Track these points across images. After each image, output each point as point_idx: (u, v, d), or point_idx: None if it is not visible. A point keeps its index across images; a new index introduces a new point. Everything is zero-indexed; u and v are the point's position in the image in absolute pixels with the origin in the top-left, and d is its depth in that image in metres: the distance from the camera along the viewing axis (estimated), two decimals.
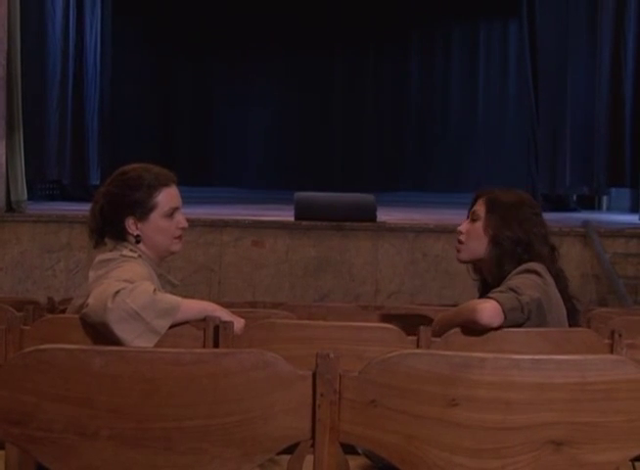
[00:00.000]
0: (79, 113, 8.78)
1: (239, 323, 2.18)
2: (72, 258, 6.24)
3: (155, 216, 2.33)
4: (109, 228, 2.34)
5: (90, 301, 2.08)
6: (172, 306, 2.08)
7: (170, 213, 2.36)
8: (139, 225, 2.33)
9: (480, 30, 11.26)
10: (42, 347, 1.32)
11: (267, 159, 11.44)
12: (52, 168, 8.33)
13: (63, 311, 2.52)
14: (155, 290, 2.10)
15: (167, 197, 2.35)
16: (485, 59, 11.25)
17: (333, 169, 11.30)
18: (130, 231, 2.33)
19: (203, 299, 2.26)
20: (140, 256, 2.32)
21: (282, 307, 3.10)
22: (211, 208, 7.66)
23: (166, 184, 2.36)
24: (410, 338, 2.17)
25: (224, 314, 2.16)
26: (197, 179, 10.23)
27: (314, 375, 1.43)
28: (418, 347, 2.14)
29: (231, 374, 1.38)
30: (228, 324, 2.13)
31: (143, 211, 2.33)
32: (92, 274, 2.27)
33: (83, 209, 7.61)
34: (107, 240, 2.37)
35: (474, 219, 2.45)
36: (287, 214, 6.53)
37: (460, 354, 1.43)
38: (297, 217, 6.32)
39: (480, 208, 2.44)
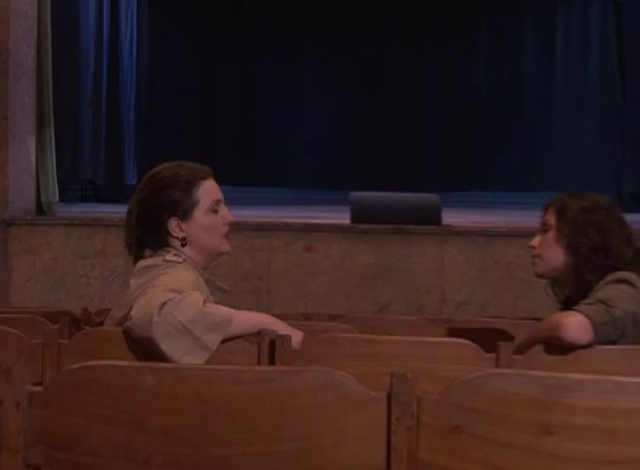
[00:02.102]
0: (114, 107, 8.87)
1: (297, 337, 2.18)
2: (108, 265, 6.30)
3: (198, 213, 2.35)
4: (149, 237, 2.35)
5: (134, 313, 2.09)
6: (224, 319, 2.09)
7: (214, 208, 2.37)
8: (183, 226, 2.34)
9: (556, 13, 11.14)
10: (89, 363, 1.33)
11: (319, 156, 11.46)
12: (85, 168, 8.43)
13: (100, 323, 2.55)
14: (204, 301, 2.11)
15: (208, 190, 2.37)
16: (563, 44, 11.09)
17: (391, 167, 11.25)
18: (175, 234, 2.34)
19: (250, 310, 2.26)
20: (185, 260, 2.32)
21: (340, 320, 3.10)
22: (258, 209, 7.67)
23: (204, 177, 2.38)
24: (489, 355, 2.13)
25: (281, 327, 2.18)
26: (241, 178, 10.30)
27: (389, 397, 1.41)
28: (497, 365, 2.10)
29: (297, 395, 1.38)
30: (285, 338, 2.13)
31: (185, 209, 2.34)
32: (133, 283, 2.29)
33: (119, 211, 7.65)
34: (147, 251, 2.37)
35: (545, 230, 2.46)
36: (342, 217, 6.51)
37: (555, 376, 1.41)
38: (353, 220, 6.29)
39: (551, 216, 2.45)
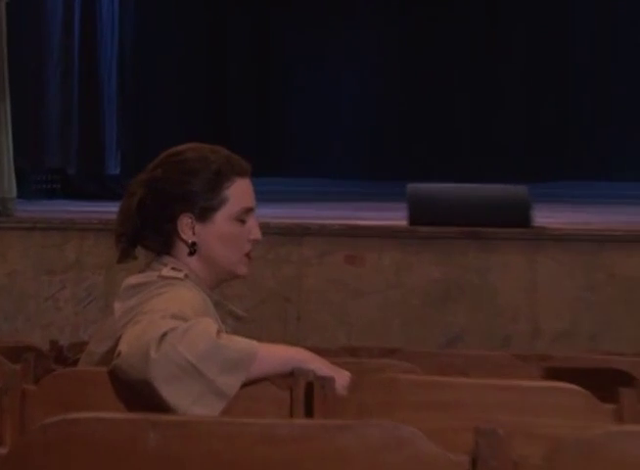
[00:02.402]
0: (91, 78, 9.00)
1: (342, 379, 2.20)
2: (84, 283, 6.35)
3: (221, 218, 2.40)
4: (149, 232, 2.41)
5: (123, 348, 2.11)
6: (245, 355, 2.09)
7: (242, 217, 2.43)
8: (197, 229, 2.39)
9: None
10: (71, 416, 1.33)
11: (361, 137, 11.52)
12: (52, 153, 8.55)
13: (75, 362, 2.56)
14: (218, 331, 2.12)
15: (241, 192, 2.43)
16: None
17: (458, 151, 11.29)
18: (184, 235, 2.38)
19: (274, 341, 2.27)
20: (187, 276, 2.36)
21: (397, 356, 3.13)
22: (283, 207, 7.70)
23: (240, 174, 2.45)
24: (606, 406, 2.12)
25: (320, 366, 2.19)
26: (260, 167, 10.26)
27: (474, 461, 1.41)
28: (620, 420, 2.10)
29: (350, 458, 1.37)
30: (327, 381, 2.12)
31: (205, 207, 2.39)
32: (119, 306, 2.31)
33: (99, 210, 7.76)
34: (141, 251, 2.44)
35: None
36: (396, 216, 6.51)
37: None
38: (411, 221, 6.30)
39: None
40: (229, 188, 2.40)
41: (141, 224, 2.39)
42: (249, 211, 2.43)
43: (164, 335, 2.05)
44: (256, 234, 2.45)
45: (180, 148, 2.46)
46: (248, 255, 2.45)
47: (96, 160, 8.92)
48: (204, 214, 2.38)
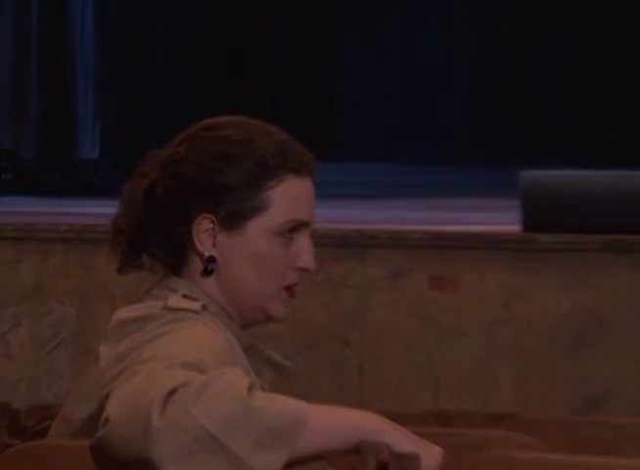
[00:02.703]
0: (58, 27, 9.13)
1: (430, 457, 2.19)
2: (48, 318, 6.40)
3: (255, 228, 2.44)
4: (159, 232, 2.45)
5: (113, 412, 2.11)
6: (291, 422, 2.10)
7: (288, 233, 2.45)
8: (219, 238, 2.42)
9: None
10: None
11: (450, 109, 11.77)
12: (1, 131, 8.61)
13: (43, 432, 2.58)
14: (250, 386, 2.12)
15: (293, 196, 2.46)
16: None
17: (589, 131, 11.53)
18: (199, 246, 2.42)
19: (327, 402, 2.28)
20: (205, 307, 2.39)
21: (508, 424, 3.15)
22: (340, 205, 7.70)
23: (297, 171, 2.47)
24: None
25: (399, 438, 2.19)
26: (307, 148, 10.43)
27: None
28: None
29: None
30: (408, 460, 2.14)
31: (235, 209, 2.42)
32: (106, 351, 2.35)
33: (69, 210, 7.75)
34: (147, 261, 2.48)
35: None
36: (503, 219, 6.51)
37: None
38: (527, 226, 6.27)
39: None
40: (275, 188, 2.42)
41: (146, 220, 2.43)
42: (300, 226, 2.46)
43: (172, 393, 2.05)
44: (307, 261, 2.47)
45: (220, 120, 2.50)
46: (290, 289, 2.48)
47: (63, 138, 8.98)
48: (231, 220, 2.41)
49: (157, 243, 2.44)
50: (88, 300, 6.02)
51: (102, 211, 7.75)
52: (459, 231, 6.38)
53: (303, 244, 2.46)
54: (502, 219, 6.51)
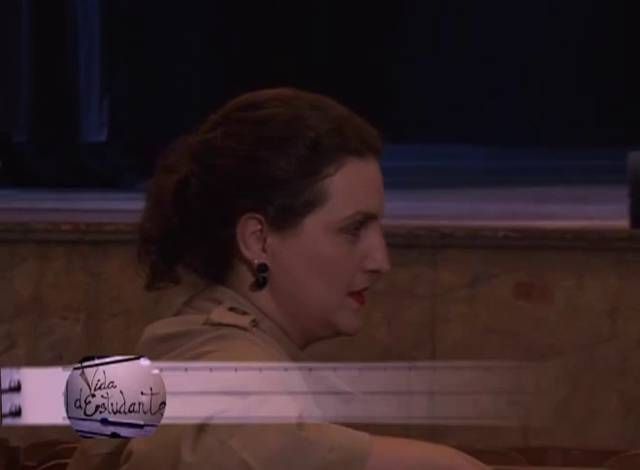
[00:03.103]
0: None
1: None
2: (49, 337, 6.44)
3: (313, 226, 2.47)
4: (196, 238, 2.48)
5: (136, 444, 2.18)
6: (351, 456, 2.15)
7: (353, 228, 2.47)
8: (270, 241, 2.44)
9: None
10: None
11: (538, 82, 12.45)
12: None
13: None
14: (300, 416, 2.15)
15: (357, 184, 2.47)
16: None
17: None
18: (247, 252, 2.45)
19: (391, 434, 2.27)
20: (256, 322, 2.41)
21: (614, 462, 3.10)
22: (397, 198, 7.74)
23: (360, 152, 2.47)
24: None
25: None
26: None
27: None
28: None
29: None
30: None
31: (287, 206, 2.45)
32: None
33: (73, 206, 7.90)
34: (184, 272, 2.50)
35: None
36: (606, 212, 6.51)
37: None
38: (636, 220, 6.28)
39: None
40: (333, 175, 2.44)
41: (179, 224, 2.45)
42: (367, 219, 2.46)
43: (206, 423, 2.08)
44: (378, 261, 2.47)
45: (260, 96, 2.48)
46: (360, 295, 2.48)
47: (63, 118, 9.10)
48: (283, 219, 2.45)
49: (194, 251, 2.46)
50: (97, 315, 6.05)
51: (111, 207, 7.81)
52: (551, 228, 6.39)
53: (373, 241, 2.47)
54: (605, 212, 6.49)
